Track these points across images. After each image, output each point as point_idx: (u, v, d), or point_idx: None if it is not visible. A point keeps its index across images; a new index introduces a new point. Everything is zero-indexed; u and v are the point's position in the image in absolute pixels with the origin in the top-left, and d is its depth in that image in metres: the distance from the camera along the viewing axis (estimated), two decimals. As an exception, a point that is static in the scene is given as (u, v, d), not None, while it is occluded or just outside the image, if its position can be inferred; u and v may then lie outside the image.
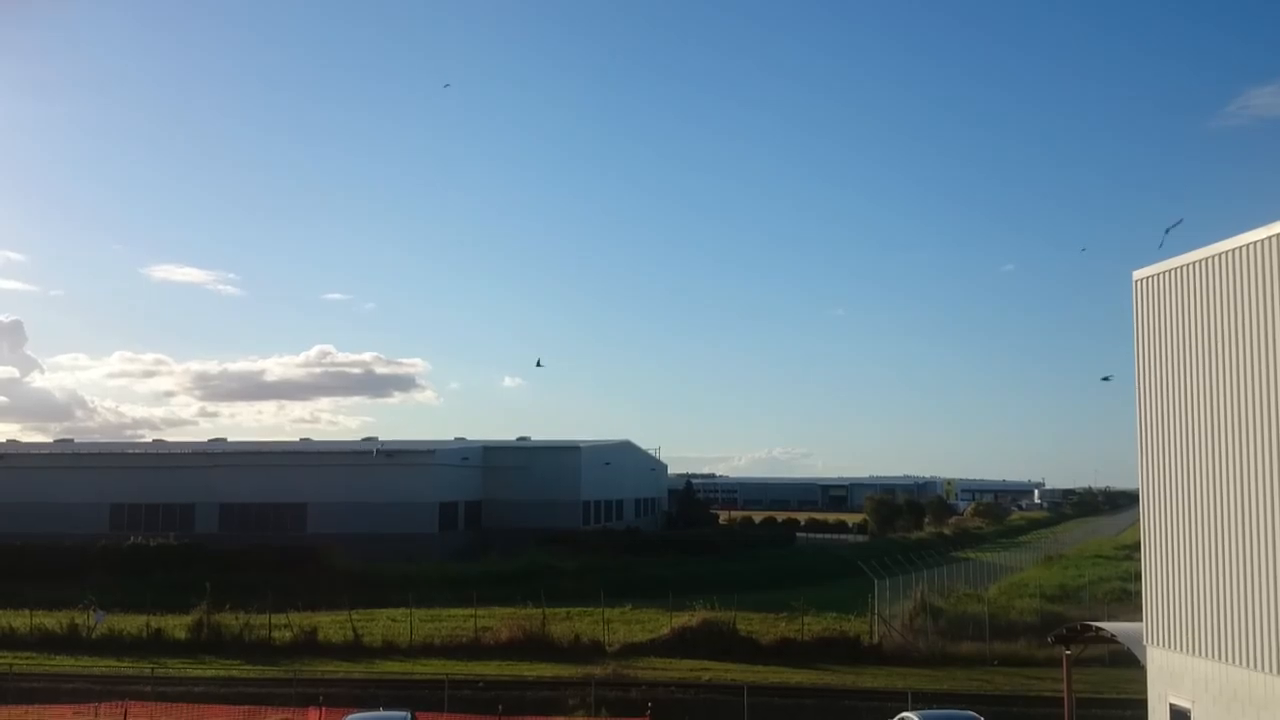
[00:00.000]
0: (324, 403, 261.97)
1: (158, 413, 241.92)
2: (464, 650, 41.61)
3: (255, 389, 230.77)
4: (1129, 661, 25.07)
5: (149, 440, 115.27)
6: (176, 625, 44.54)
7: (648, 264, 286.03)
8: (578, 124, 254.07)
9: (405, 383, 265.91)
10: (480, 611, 45.03)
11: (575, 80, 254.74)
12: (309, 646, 42.25)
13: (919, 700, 29.21)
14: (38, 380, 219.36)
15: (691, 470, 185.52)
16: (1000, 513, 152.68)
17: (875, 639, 42.33)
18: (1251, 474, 18.28)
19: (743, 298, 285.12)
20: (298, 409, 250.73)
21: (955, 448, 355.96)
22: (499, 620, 44.30)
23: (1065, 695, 27.29)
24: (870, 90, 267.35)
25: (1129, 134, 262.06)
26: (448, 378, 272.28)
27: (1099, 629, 26.25)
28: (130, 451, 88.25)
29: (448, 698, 30.25)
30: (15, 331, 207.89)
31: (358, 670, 38.45)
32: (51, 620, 45.03)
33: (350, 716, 24.86)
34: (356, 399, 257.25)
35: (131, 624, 44.72)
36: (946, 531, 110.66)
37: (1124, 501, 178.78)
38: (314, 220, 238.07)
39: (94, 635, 43.83)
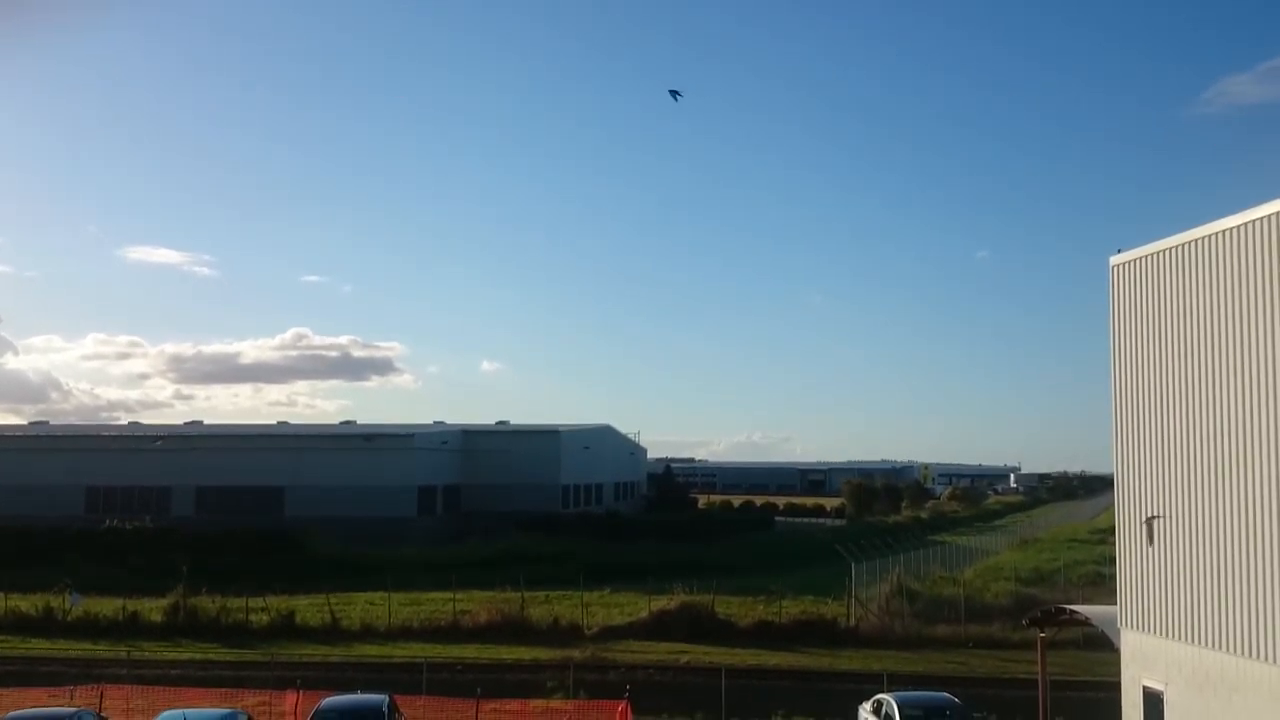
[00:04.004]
0: (300, 386, 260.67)
1: (133, 395, 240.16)
2: (442, 633, 41.64)
3: (231, 372, 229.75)
4: (1103, 644, 25.30)
5: (124, 422, 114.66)
6: (153, 608, 44.39)
7: (626, 249, 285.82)
8: (555, 111, 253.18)
9: (383, 366, 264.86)
10: (459, 595, 45.06)
11: (551, 68, 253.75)
12: (286, 630, 42.20)
13: (895, 682, 29.41)
14: (11, 362, 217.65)
15: (671, 455, 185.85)
16: (976, 497, 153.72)
17: (852, 622, 42.60)
18: (1225, 458, 18.44)
19: (721, 283, 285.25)
20: (274, 392, 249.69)
21: (932, 433, 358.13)
22: (478, 604, 44.33)
23: (1040, 677, 27.52)
24: (845, 80, 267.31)
25: (1104, 121, 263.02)
26: (426, 361, 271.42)
27: (1073, 612, 26.46)
28: (106, 434, 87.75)
29: (426, 680, 30.21)
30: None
31: (335, 654, 38.42)
32: (27, 603, 44.80)
33: (327, 699, 24.83)
34: (333, 382, 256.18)
35: (107, 607, 44.55)
36: (923, 515, 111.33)
37: (1099, 486, 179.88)
38: (291, 202, 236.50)
39: (70, 618, 43.63)
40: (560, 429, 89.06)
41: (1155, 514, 19.81)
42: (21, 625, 43.16)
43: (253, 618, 43.52)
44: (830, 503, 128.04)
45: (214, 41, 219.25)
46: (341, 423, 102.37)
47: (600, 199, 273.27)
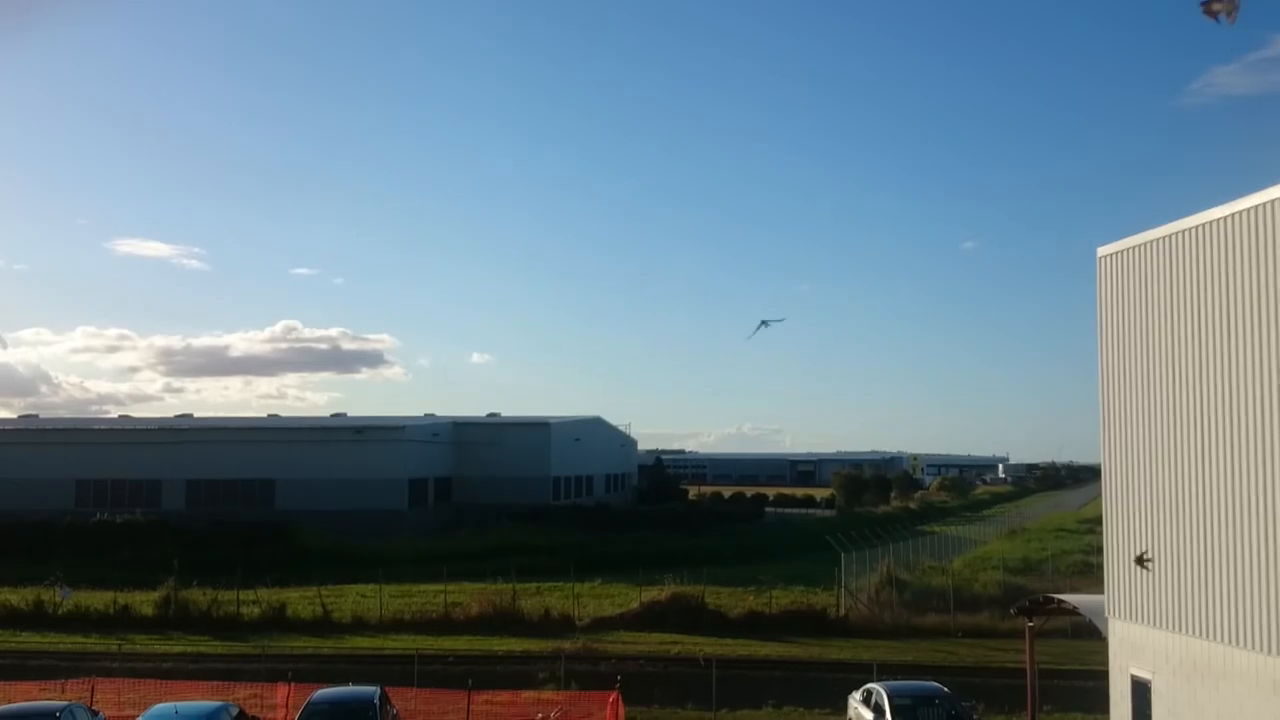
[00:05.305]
0: (291, 378, 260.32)
1: (122, 388, 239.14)
2: (434, 626, 41.66)
3: (220, 364, 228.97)
4: (1091, 633, 25.44)
5: (114, 416, 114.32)
6: (144, 601, 44.35)
7: (616, 241, 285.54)
8: (545, 102, 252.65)
9: (373, 358, 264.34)
10: (450, 587, 45.09)
11: (539, 57, 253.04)
12: (278, 623, 42.19)
13: (885, 672, 29.51)
14: (0, 355, 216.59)
15: (662, 446, 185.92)
16: (965, 487, 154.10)
17: (842, 612, 42.76)
18: (1211, 448, 18.52)
19: (710, 274, 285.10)
20: (264, 385, 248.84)
21: (921, 423, 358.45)
22: (469, 595, 44.37)
23: (1028, 666, 27.66)
24: (833, 70, 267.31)
25: (1092, 111, 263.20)
26: (416, 354, 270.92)
27: (1061, 601, 26.57)
28: (96, 428, 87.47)
29: (417, 673, 30.22)
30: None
31: (327, 646, 38.41)
32: (17, 597, 44.68)
33: (319, 692, 24.81)
34: (324, 375, 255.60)
35: (98, 600, 44.48)
36: (912, 506, 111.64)
37: (1086, 476, 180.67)
38: (281, 194, 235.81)
39: (60, 612, 43.54)
40: (551, 421, 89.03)
41: (1145, 553, 19.86)
42: (12, 619, 43.05)
43: (244, 610, 43.53)
44: (820, 493, 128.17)
45: (205, 33, 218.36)
46: (332, 415, 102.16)
47: (590, 190, 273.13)
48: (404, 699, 26.84)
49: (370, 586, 46.72)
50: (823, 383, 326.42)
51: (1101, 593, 23.02)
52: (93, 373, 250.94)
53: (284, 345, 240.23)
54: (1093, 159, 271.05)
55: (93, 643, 38.52)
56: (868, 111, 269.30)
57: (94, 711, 25.21)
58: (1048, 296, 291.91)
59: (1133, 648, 21.07)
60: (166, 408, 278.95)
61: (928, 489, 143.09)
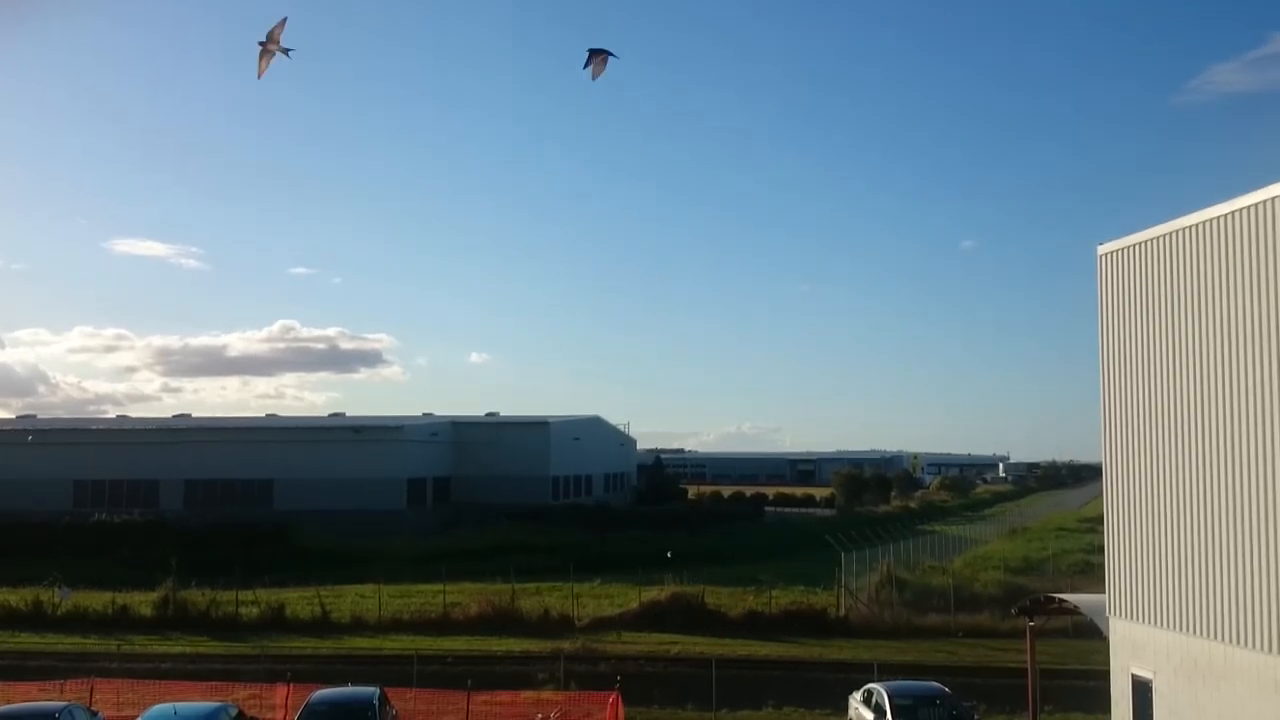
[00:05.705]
0: (289, 378, 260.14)
1: (120, 388, 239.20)
2: (433, 626, 41.60)
3: (218, 364, 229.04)
4: (1092, 633, 25.39)
5: (112, 416, 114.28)
6: (142, 602, 44.31)
7: (614, 240, 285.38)
8: (542, 99, 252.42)
9: (371, 358, 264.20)
10: (449, 587, 45.00)
11: (537, 55, 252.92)
12: (276, 623, 42.14)
13: (885, 672, 29.44)
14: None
15: (661, 446, 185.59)
16: (965, 486, 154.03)
17: (842, 612, 42.70)
18: (1212, 447, 18.49)
19: (709, 273, 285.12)
20: (261, 384, 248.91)
21: (922, 422, 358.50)
22: (468, 596, 44.32)
23: (1029, 666, 27.61)
24: (831, 69, 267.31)
25: (1091, 109, 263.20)
26: (414, 353, 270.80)
27: (1062, 601, 26.53)
28: (94, 428, 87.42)
29: (416, 673, 30.16)
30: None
31: (325, 646, 38.35)
32: (16, 597, 44.62)
33: (318, 693, 24.75)
34: (322, 375, 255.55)
35: (97, 601, 44.41)
36: (912, 505, 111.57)
37: (1087, 475, 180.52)
38: (279, 194, 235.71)
39: (59, 612, 43.49)
40: (550, 420, 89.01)
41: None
42: (11, 619, 42.99)
43: (243, 611, 43.47)
44: (820, 493, 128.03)
45: (204, 32, 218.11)
46: (330, 415, 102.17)
47: (589, 190, 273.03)
48: (403, 699, 26.78)
49: (369, 587, 46.62)
50: (822, 382, 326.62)
51: (1102, 592, 22.99)
52: (90, 373, 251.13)
53: (282, 345, 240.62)
54: (1092, 157, 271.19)
55: (91, 643, 38.46)
56: (868, 111, 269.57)
57: (93, 712, 25.17)
58: (1048, 295, 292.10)
59: (1134, 647, 21.04)
60: (164, 408, 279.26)
61: (928, 488, 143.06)
